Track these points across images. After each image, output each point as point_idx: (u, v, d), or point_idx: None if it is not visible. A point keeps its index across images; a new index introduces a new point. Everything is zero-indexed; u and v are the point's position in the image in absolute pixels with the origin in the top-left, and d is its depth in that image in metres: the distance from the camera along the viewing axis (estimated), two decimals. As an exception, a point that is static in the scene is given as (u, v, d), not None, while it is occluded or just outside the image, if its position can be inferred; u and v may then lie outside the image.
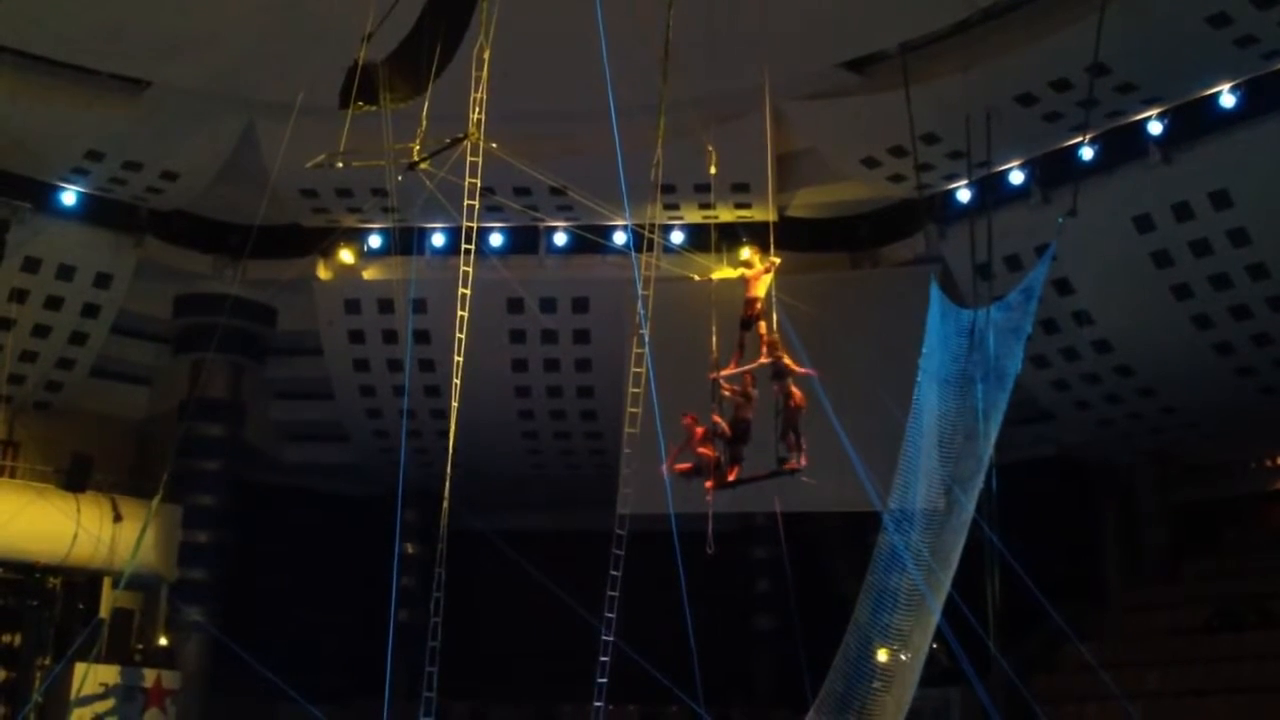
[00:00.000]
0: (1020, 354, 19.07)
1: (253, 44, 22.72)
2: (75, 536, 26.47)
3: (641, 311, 15.69)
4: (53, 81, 24.08)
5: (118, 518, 26.97)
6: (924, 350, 18.98)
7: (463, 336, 15.18)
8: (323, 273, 28.87)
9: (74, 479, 27.12)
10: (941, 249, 26.55)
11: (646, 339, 15.58)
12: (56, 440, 28.16)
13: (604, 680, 15.77)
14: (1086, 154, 23.59)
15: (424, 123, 15.55)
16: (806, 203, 27.57)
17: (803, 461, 15.85)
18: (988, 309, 19.25)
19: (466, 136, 15.31)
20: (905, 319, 21.24)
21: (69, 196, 26.66)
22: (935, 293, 19.60)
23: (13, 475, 27.70)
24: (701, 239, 25.15)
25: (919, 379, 18.90)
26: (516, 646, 31.00)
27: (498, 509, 27.97)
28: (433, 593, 14.38)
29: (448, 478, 14.79)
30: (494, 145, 15.59)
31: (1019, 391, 19.99)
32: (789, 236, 25.45)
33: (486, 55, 15.03)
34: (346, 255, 28.64)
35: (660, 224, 23.45)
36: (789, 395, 15.81)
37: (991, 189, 24.25)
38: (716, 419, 15.78)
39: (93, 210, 27.03)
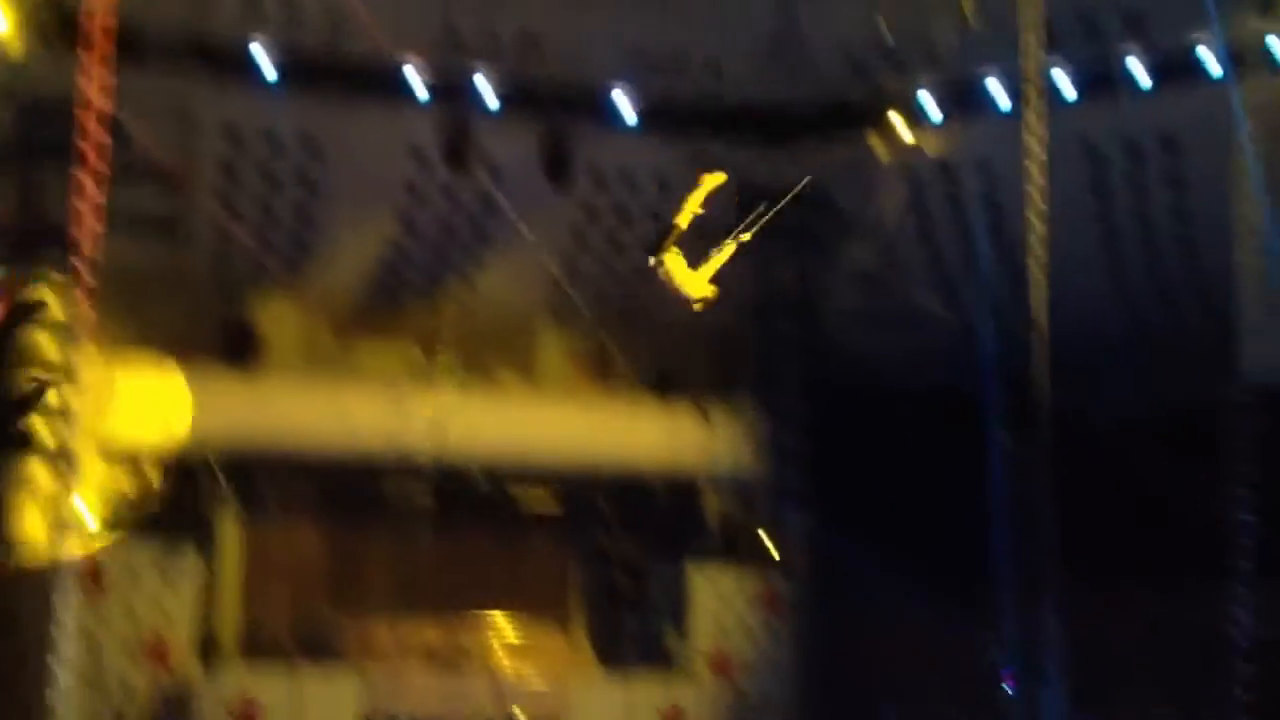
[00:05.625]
0: None
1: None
2: (672, 445, 27.11)
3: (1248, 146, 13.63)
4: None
5: (707, 423, 27.31)
6: None
7: (1041, 204, 13.93)
8: (877, 147, 27.54)
9: (663, 388, 27.87)
10: None
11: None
12: (642, 351, 28.63)
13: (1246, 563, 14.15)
14: None
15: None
16: None
17: None
18: None
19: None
20: None
21: (624, 105, 26.57)
22: None
23: (607, 388, 28.84)
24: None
25: None
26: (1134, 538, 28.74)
27: (1097, 390, 25.81)
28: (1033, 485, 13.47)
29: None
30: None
31: None
32: None
33: None
34: (901, 125, 27.03)
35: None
36: None
37: None
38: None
39: (647, 115, 26.85)
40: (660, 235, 12.70)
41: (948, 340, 29.12)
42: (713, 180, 12.86)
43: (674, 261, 12.55)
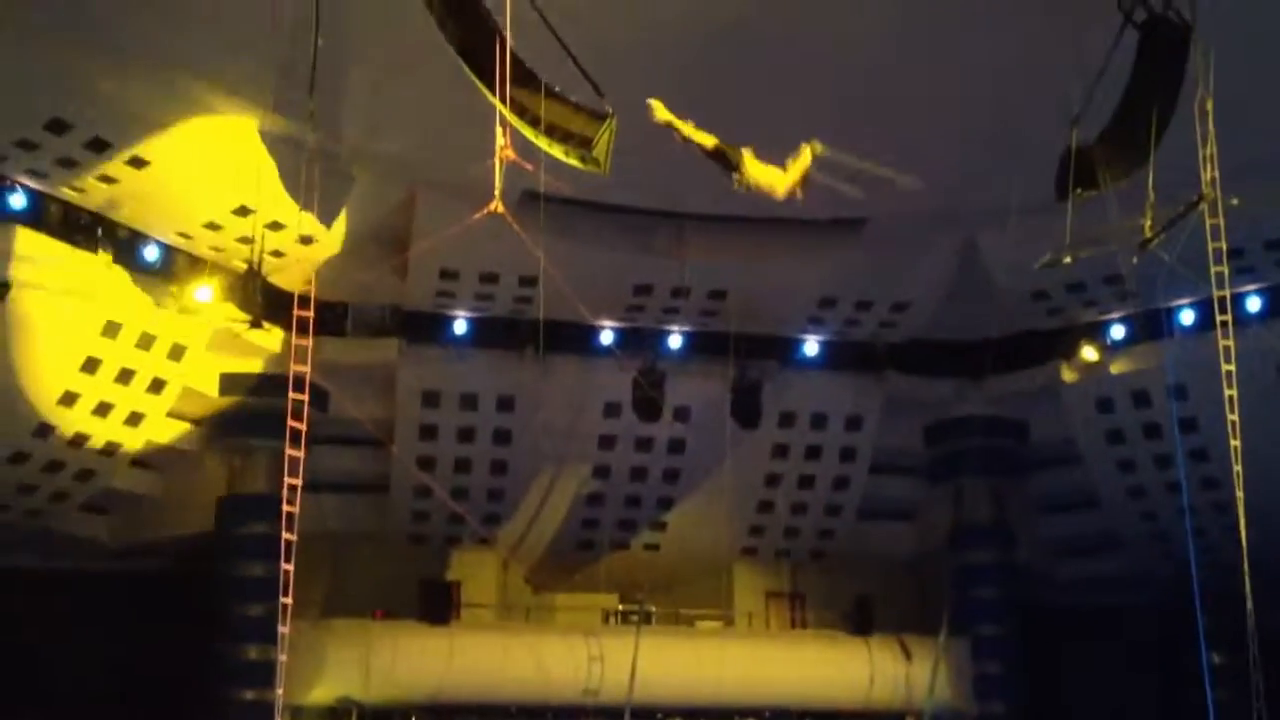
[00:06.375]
0: None
1: (962, 157, 21.90)
2: (871, 680, 27.00)
3: None
4: (777, 239, 24.37)
5: (908, 657, 27.10)
6: None
7: (1235, 418, 13.76)
8: (1067, 375, 27.34)
9: (860, 623, 27.77)
10: None
11: None
12: (837, 587, 28.86)
13: None
14: None
15: (1151, 194, 14.58)
16: None
17: None
18: None
19: (1201, 198, 14.45)
20: None
21: (810, 346, 27.25)
22: None
23: (803, 626, 28.98)
24: None
25: None
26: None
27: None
28: (1253, 705, 12.99)
29: (1245, 575, 13.64)
30: (1235, 201, 14.33)
31: None
32: None
33: (1209, 106, 14.04)
34: (1090, 353, 26.90)
35: None
36: None
37: None
38: None
39: (833, 355, 27.46)
40: (721, 163, 12.81)
41: (1150, 562, 28.36)
42: (657, 105, 12.56)
43: (752, 164, 12.73)
